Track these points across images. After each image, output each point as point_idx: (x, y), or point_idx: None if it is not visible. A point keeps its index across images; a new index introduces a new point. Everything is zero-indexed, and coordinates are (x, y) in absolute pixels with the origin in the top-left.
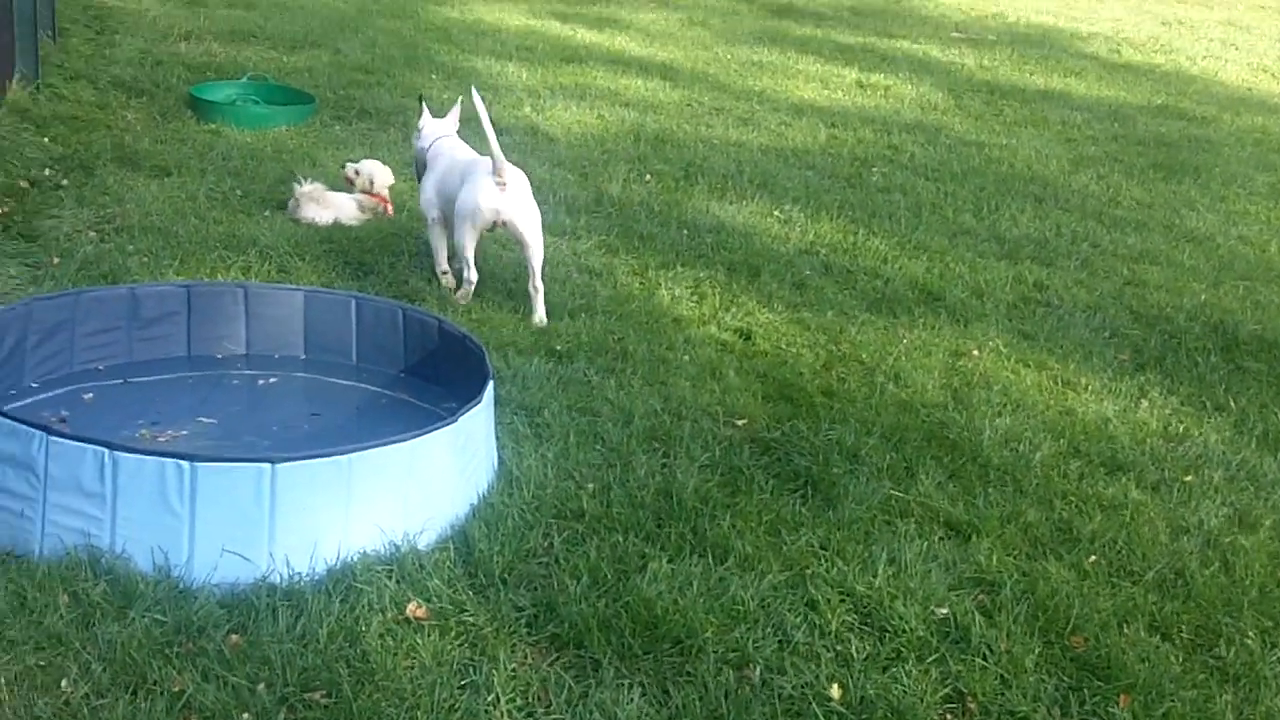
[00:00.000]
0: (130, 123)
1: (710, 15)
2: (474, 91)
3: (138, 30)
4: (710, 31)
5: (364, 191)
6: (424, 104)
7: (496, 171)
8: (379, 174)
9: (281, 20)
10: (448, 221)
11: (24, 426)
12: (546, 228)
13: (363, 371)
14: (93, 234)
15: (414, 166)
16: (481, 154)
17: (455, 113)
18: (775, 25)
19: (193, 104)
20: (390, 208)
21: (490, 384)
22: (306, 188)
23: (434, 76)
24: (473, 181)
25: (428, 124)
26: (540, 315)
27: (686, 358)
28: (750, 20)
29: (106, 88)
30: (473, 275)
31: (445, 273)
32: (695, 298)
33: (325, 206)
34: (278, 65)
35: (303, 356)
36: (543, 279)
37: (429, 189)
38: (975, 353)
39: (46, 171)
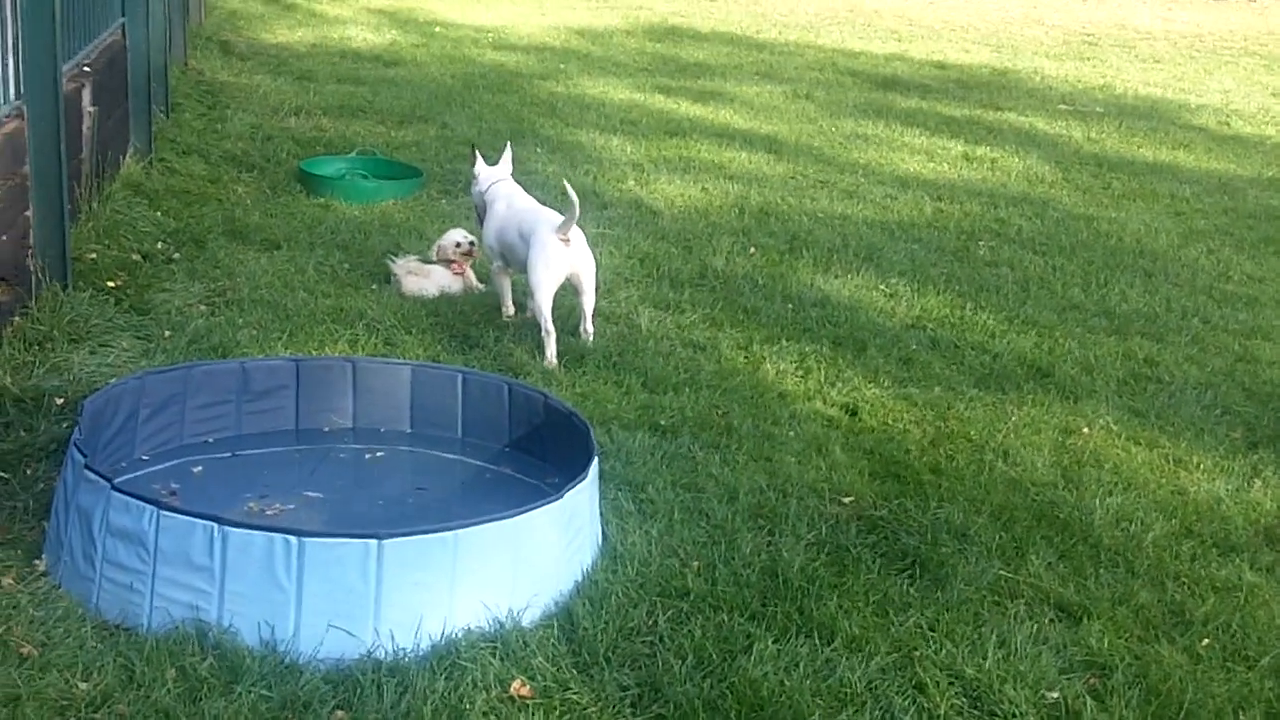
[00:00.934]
0: (241, 197)
1: (814, 88)
2: (567, 186)
3: (249, 105)
4: (814, 104)
5: (444, 261)
6: (476, 152)
7: (562, 229)
8: (446, 240)
9: (389, 95)
10: (510, 265)
11: (135, 501)
12: (650, 300)
13: (468, 446)
14: (203, 307)
15: (475, 212)
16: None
17: (507, 157)
18: (880, 98)
19: (302, 178)
20: (469, 274)
21: (595, 460)
22: (402, 262)
23: (539, 150)
24: (539, 243)
25: (482, 170)
26: (588, 332)
27: (792, 433)
28: (855, 93)
29: (218, 162)
30: (551, 328)
31: (510, 316)
32: (801, 372)
33: (426, 277)
34: (386, 140)
35: (408, 430)
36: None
37: (490, 235)
38: (1085, 430)
39: (159, 245)
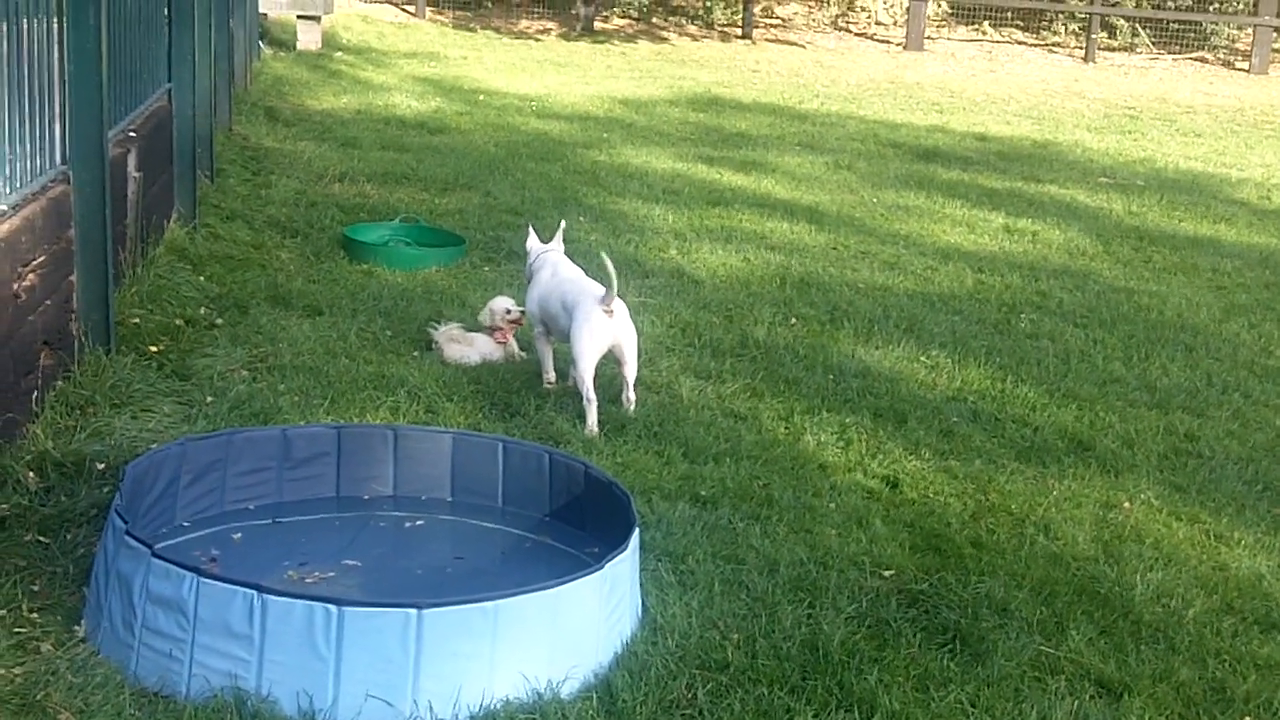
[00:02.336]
0: (284, 262)
1: (856, 159)
2: (605, 259)
3: (293, 171)
4: (856, 175)
5: (490, 328)
6: (531, 228)
7: (606, 300)
8: (496, 305)
9: (433, 163)
10: (551, 334)
11: (176, 568)
12: (691, 370)
13: (508, 515)
14: (245, 373)
15: (527, 284)
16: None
17: (559, 235)
18: (921, 169)
19: (345, 245)
20: (512, 341)
21: (636, 531)
22: (444, 329)
23: (581, 219)
24: (584, 314)
25: (535, 246)
26: (629, 401)
27: (832, 505)
28: (896, 164)
29: (262, 228)
30: (593, 396)
31: (551, 384)
32: (841, 444)
33: (468, 345)
34: (429, 207)
35: (449, 499)
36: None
37: (533, 303)
38: (1126, 504)
39: (202, 310)
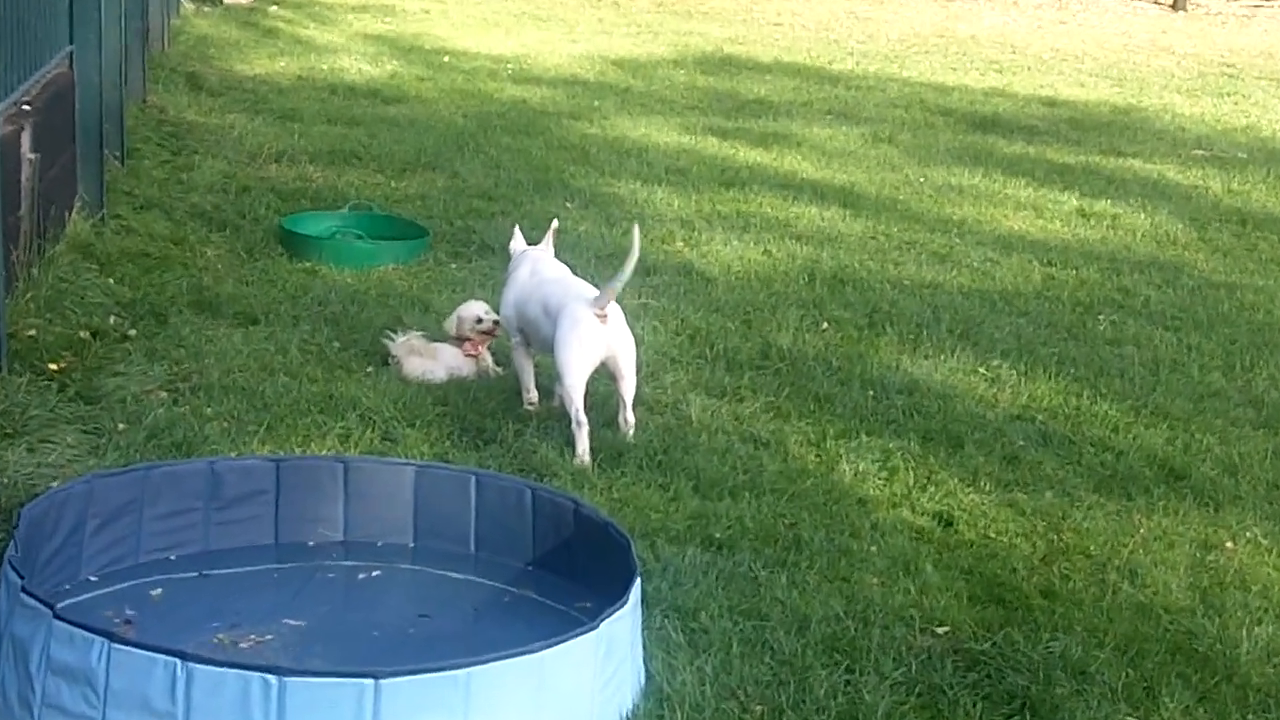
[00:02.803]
0: (211, 261)
1: (899, 129)
2: (635, 234)
3: (221, 151)
4: (899, 149)
5: (458, 339)
6: (517, 230)
7: (599, 302)
8: (466, 311)
9: (389, 139)
10: (531, 344)
11: (82, 632)
12: (702, 386)
13: (482, 563)
14: (164, 394)
15: None
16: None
17: (549, 239)
18: (977, 141)
19: (284, 238)
20: (485, 355)
21: (637, 581)
22: (403, 340)
23: (568, 204)
24: (571, 320)
25: (519, 249)
26: (628, 424)
27: (874, 549)
28: (947, 135)
29: (183, 219)
30: (583, 419)
31: (533, 404)
32: (884, 474)
33: (432, 358)
34: (385, 192)
35: (411, 544)
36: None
37: (508, 306)
38: (1229, 545)
39: (111, 319)
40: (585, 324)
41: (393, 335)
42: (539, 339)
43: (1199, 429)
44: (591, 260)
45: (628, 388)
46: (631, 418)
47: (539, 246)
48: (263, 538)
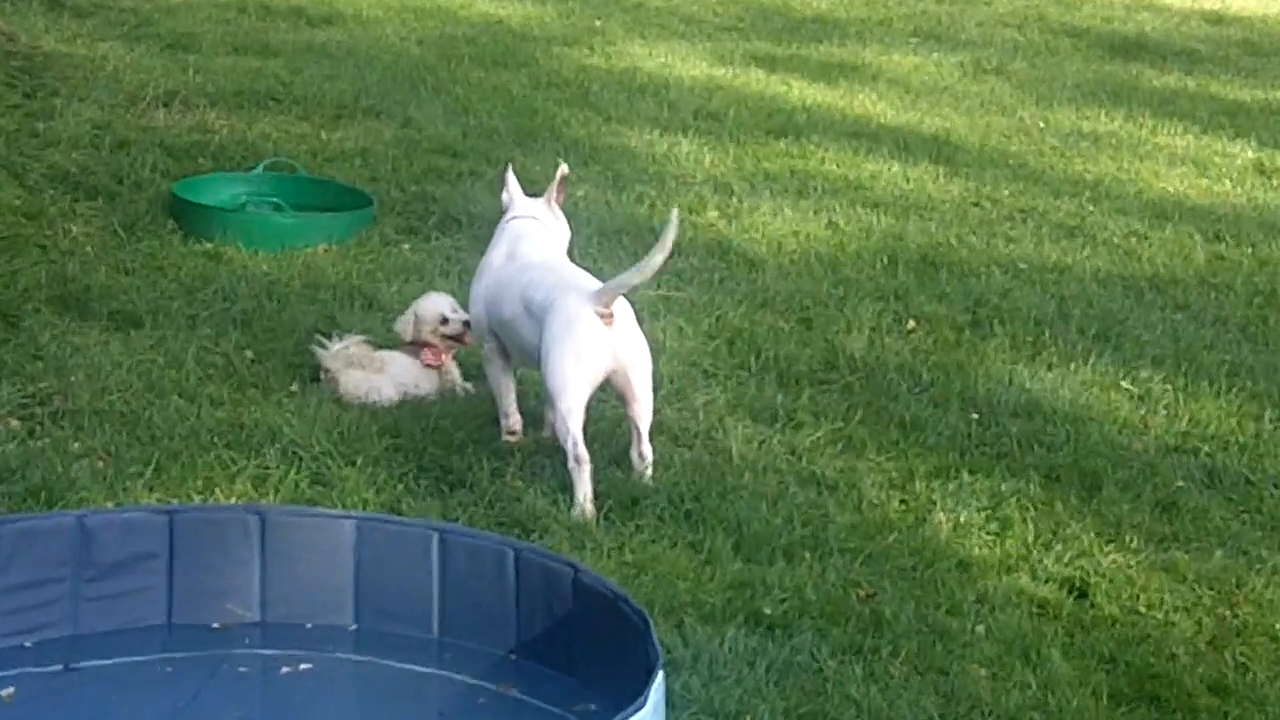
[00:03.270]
0: (78, 242)
1: (1010, 56)
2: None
3: (90, 92)
4: (1011, 83)
5: (418, 344)
6: (511, 173)
7: (603, 298)
8: (425, 308)
9: (318, 74)
10: (507, 349)
11: None
12: (745, 408)
13: (450, 652)
14: (16, 424)
15: None
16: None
17: (555, 187)
18: (1118, 72)
19: (178, 210)
20: (451, 367)
21: (658, 676)
22: (339, 348)
23: (561, 159)
24: (563, 321)
25: (517, 202)
26: (644, 460)
27: (980, 629)
28: (1077, 64)
29: (39, 185)
30: (583, 454)
31: (514, 433)
32: (994, 527)
33: (377, 371)
34: (312, 146)
35: (352, 627)
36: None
37: (478, 302)
38: None
39: None
40: (584, 327)
41: (325, 342)
42: (519, 347)
43: None
44: (593, 238)
45: (642, 411)
46: (648, 451)
47: (535, 203)
48: (151, 617)
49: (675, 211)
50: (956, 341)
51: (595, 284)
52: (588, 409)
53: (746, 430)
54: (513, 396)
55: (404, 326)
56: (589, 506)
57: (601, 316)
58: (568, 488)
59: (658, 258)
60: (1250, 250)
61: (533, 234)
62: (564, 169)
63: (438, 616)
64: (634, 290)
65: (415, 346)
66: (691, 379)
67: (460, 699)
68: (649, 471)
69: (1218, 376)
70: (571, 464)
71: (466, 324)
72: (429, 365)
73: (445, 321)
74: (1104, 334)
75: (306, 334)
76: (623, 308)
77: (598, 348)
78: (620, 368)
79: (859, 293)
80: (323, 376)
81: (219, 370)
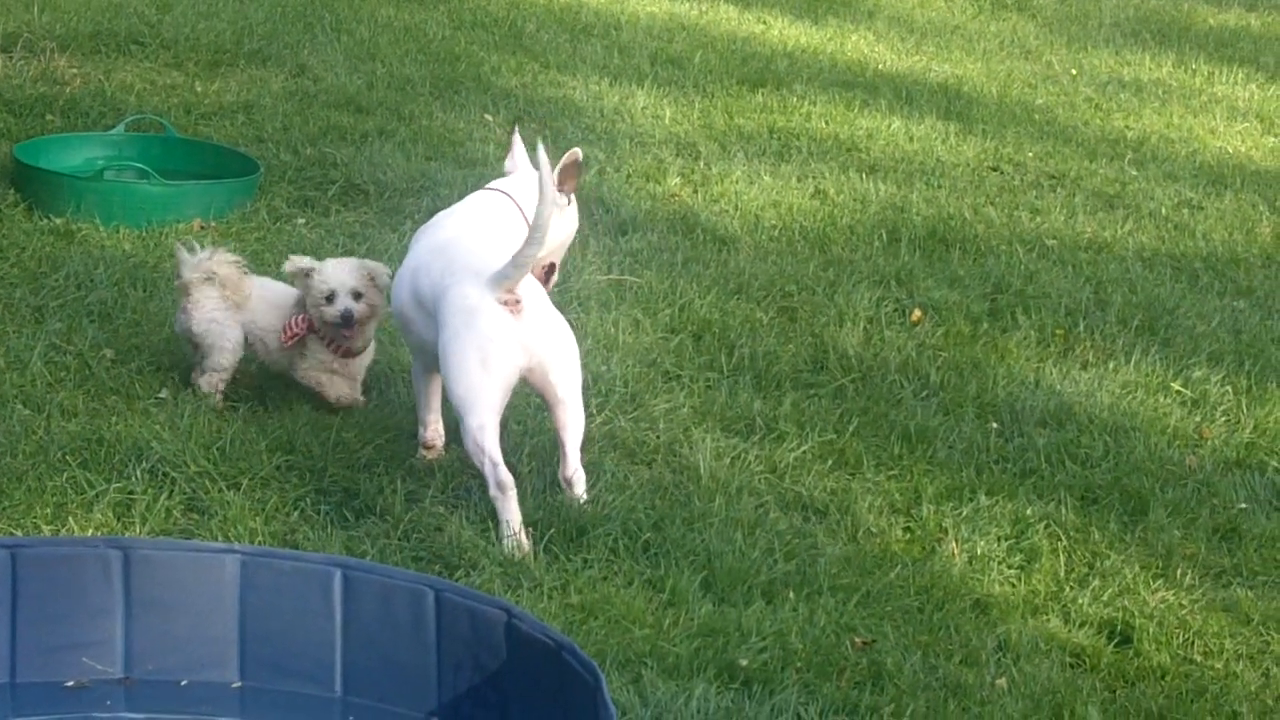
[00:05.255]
0: None
1: None
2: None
3: None
4: (1036, 22)
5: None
6: (516, 136)
7: (504, 282)
8: (324, 275)
9: (191, 11)
10: (412, 351)
11: None
12: (716, 416)
13: (354, 713)
14: None
15: None
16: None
17: (541, 160)
18: (1166, 8)
19: (19, 178)
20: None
21: None
22: (203, 256)
23: (489, 116)
24: (461, 314)
25: (519, 169)
26: (570, 482)
27: (1002, 682)
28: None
29: None
30: (505, 478)
31: (431, 446)
32: (1017, 560)
33: (236, 299)
34: (185, 100)
35: (236, 684)
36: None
37: (400, 289)
38: None
39: None
40: (486, 320)
41: (194, 246)
42: (418, 346)
43: None
44: None
45: (568, 419)
46: (577, 474)
47: (523, 181)
48: None
49: (542, 146)
50: (972, 335)
51: (494, 265)
52: (505, 420)
53: (717, 444)
54: (435, 403)
55: (292, 267)
56: (521, 538)
57: (506, 305)
58: (496, 516)
59: (545, 211)
60: None
61: (482, 210)
62: (576, 154)
63: (340, 671)
64: (535, 262)
65: (300, 323)
66: (650, 382)
67: None
68: (581, 493)
69: None
70: (494, 491)
71: (351, 317)
72: (283, 341)
73: (330, 299)
74: (1150, 325)
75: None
76: (532, 290)
77: (506, 344)
78: (537, 365)
79: (853, 276)
80: (176, 286)
81: (72, 373)
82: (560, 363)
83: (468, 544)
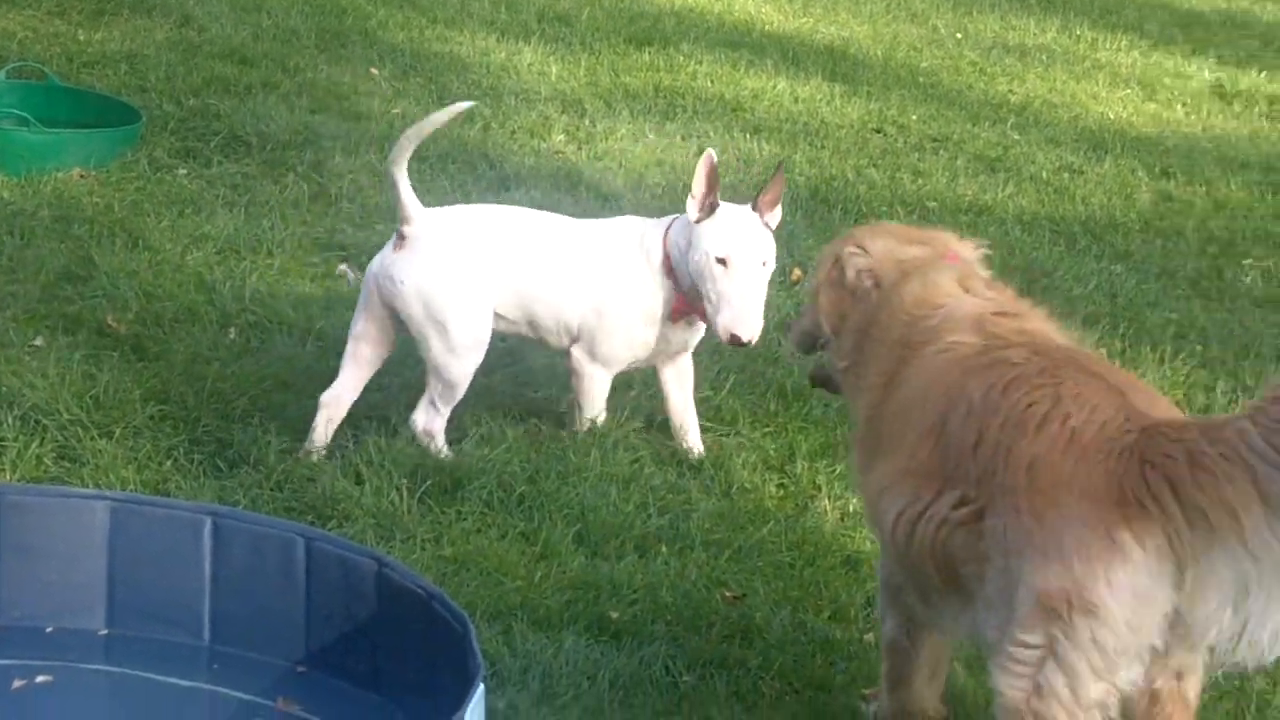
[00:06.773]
0: None
1: None
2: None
3: None
4: None
5: None
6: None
7: (401, 214)
8: None
9: None
10: None
11: None
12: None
13: (221, 661)
14: None
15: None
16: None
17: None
18: None
19: None
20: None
21: (478, 690)
22: None
23: (376, 72)
24: None
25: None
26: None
27: (870, 638)
28: None
29: None
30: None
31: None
32: None
33: None
34: (65, 48)
35: (103, 631)
36: None
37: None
38: None
39: None
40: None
41: None
42: None
43: None
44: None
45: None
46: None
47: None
48: None
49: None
50: None
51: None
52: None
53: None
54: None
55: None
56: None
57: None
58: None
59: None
60: (1204, 189)
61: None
62: (711, 155)
63: (209, 619)
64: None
65: None
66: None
67: (234, 718)
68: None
69: (1163, 339)
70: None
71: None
72: None
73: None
74: (1028, 287)
75: (55, 276)
76: (426, 228)
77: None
78: (400, 305)
79: None
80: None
81: None
82: (425, 315)
83: (341, 494)
